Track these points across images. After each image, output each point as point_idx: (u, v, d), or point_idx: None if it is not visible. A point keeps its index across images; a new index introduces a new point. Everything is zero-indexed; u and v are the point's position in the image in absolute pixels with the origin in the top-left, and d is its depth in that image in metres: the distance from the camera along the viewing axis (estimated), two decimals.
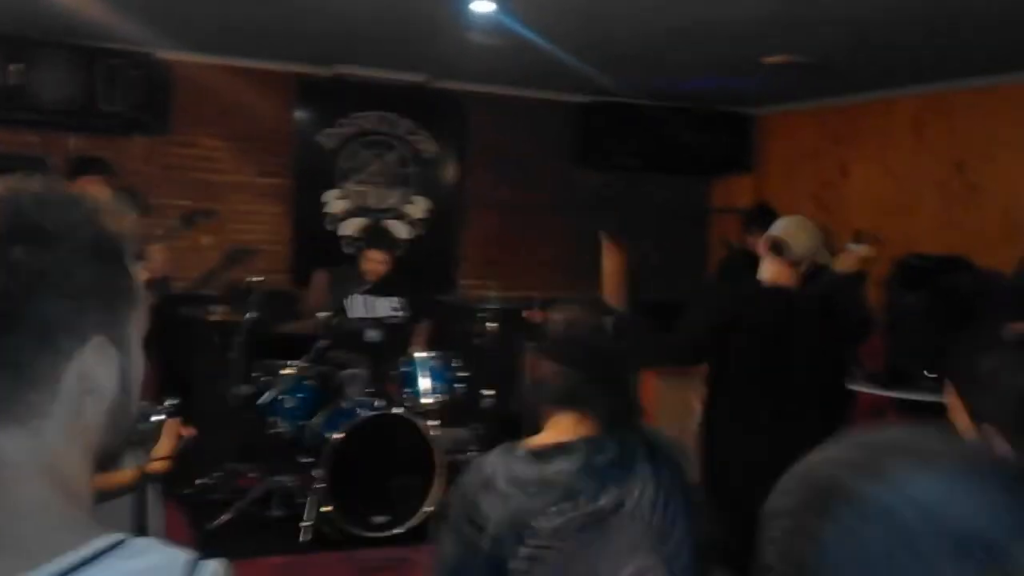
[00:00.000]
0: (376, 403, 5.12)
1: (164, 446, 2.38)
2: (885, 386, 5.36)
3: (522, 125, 7.03)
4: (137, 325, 0.87)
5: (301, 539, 4.83)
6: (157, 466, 2.38)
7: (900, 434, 0.77)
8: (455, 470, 5.49)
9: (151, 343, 0.94)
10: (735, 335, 3.44)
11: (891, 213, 6.17)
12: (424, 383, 5.35)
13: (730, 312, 3.51)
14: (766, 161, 7.29)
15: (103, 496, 1.05)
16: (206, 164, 6.26)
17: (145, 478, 2.26)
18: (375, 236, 6.22)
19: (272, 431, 5.18)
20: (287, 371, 5.24)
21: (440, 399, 5.36)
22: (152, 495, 2.50)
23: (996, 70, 5.36)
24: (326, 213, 6.55)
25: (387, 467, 4.99)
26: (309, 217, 6.50)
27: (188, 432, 2.49)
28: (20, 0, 4.79)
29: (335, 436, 4.83)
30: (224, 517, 4.95)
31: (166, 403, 2.39)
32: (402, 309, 5.71)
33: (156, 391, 2.59)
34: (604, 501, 1.70)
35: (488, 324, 5.73)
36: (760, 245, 3.65)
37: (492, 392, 5.66)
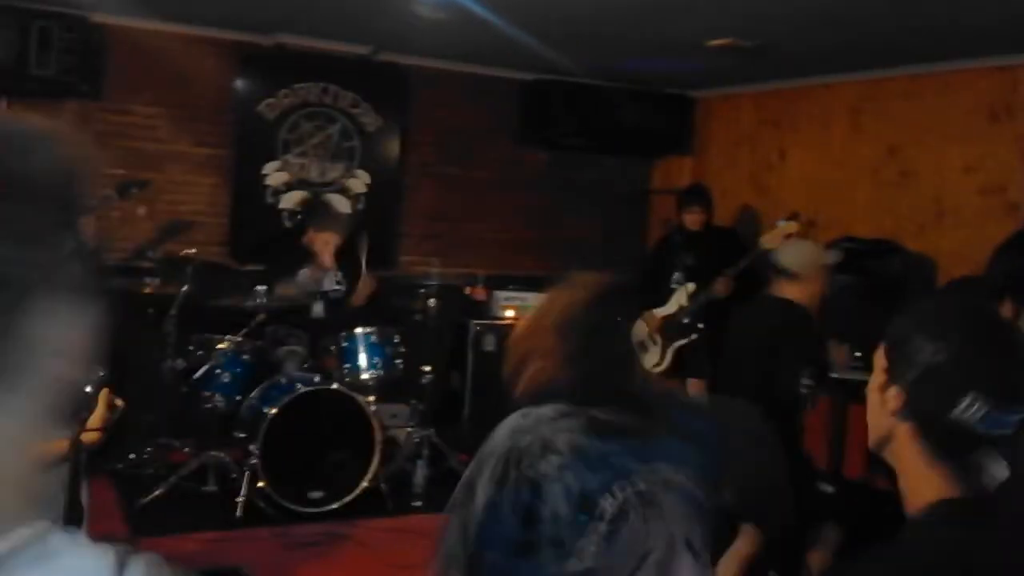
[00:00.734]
0: (314, 378, 5.09)
1: (97, 416, 2.34)
2: None
3: (467, 101, 7.00)
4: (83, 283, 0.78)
5: (236, 514, 4.80)
6: (90, 437, 2.34)
7: None
8: (392, 446, 5.51)
9: None
10: None
11: (827, 197, 6.29)
12: (363, 359, 5.34)
13: None
14: (706, 143, 7.37)
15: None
16: (142, 132, 6.12)
17: (78, 449, 2.22)
18: (326, 216, 6.10)
19: (207, 405, 5.13)
20: (223, 345, 5.18)
21: (379, 375, 5.35)
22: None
23: (930, 58, 5.49)
24: (266, 186, 6.46)
25: (324, 442, 4.97)
26: (248, 189, 6.40)
27: (121, 403, 2.44)
28: None
29: (271, 411, 4.80)
30: (157, 492, 4.89)
31: (97, 373, 2.35)
32: (342, 283, 5.69)
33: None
34: (653, 478, 1.75)
35: (429, 300, 5.72)
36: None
37: (431, 368, 5.66)
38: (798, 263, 3.95)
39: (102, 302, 0.79)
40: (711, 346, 5.77)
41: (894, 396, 1.39)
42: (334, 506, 4.93)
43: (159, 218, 5.93)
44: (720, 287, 5.58)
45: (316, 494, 4.90)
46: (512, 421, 1.85)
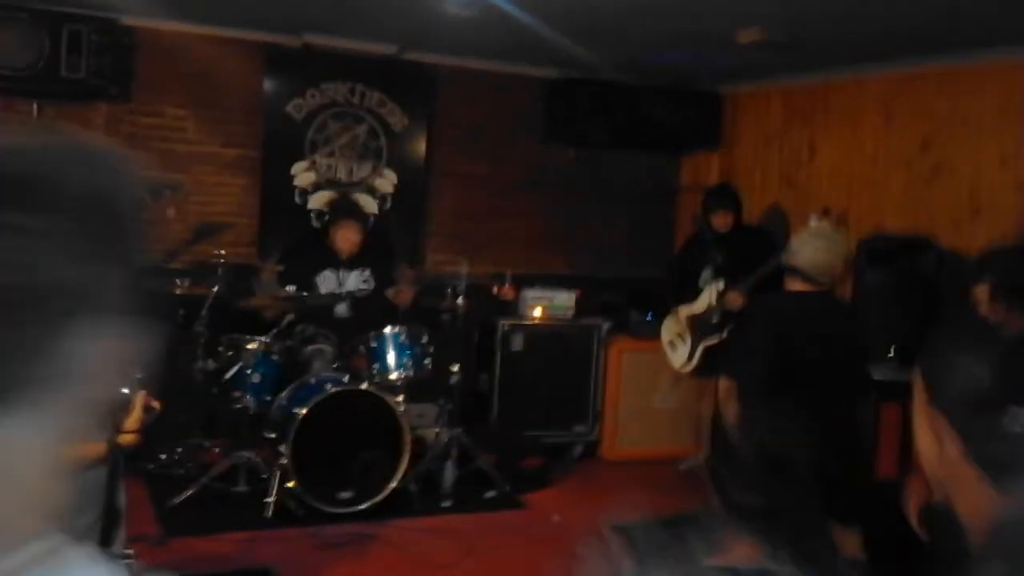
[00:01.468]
0: (343, 378, 5.10)
1: (134, 419, 2.35)
2: None
3: (493, 99, 6.98)
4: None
5: (266, 515, 4.81)
6: (127, 439, 2.35)
7: None
8: (421, 446, 5.51)
9: None
10: None
11: (858, 192, 6.21)
12: (392, 359, 5.34)
13: None
14: (735, 139, 7.31)
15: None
16: (171, 134, 6.15)
17: (116, 451, 2.23)
18: (348, 209, 6.16)
19: (237, 406, 5.15)
20: (252, 346, 5.19)
21: (408, 375, 5.35)
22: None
23: (964, 49, 5.39)
24: (294, 186, 6.48)
25: (353, 443, 4.98)
26: (277, 190, 6.42)
27: (157, 405, 2.45)
28: None
29: (301, 411, 4.80)
30: (187, 492, 4.91)
31: (135, 376, 2.35)
32: (369, 281, 5.70)
33: None
34: None
35: (457, 300, 5.71)
36: None
37: (459, 368, 5.65)
38: (813, 266, 3.72)
39: (153, 325, 0.77)
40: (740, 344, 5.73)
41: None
42: (363, 506, 4.93)
43: (188, 219, 5.96)
44: (733, 299, 5.54)
45: (345, 494, 4.91)
46: None
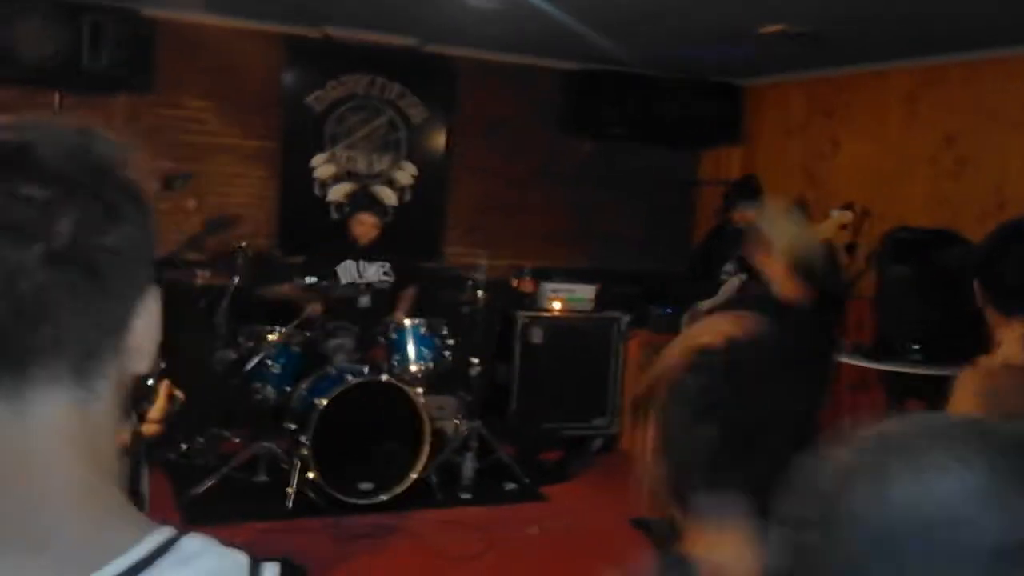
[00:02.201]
0: (364, 369, 5.10)
1: (158, 408, 2.35)
2: (872, 358, 5.38)
3: (512, 92, 6.96)
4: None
5: (286, 505, 4.82)
6: (151, 428, 2.35)
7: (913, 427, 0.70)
8: (440, 438, 5.50)
9: None
10: None
11: (882, 186, 6.16)
12: (412, 351, 5.33)
13: None
14: (756, 133, 7.25)
15: None
16: (192, 125, 6.16)
17: (140, 441, 2.23)
18: (365, 200, 6.17)
19: (257, 397, 5.15)
20: (273, 336, 5.20)
21: (428, 367, 5.34)
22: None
23: (989, 43, 5.33)
24: (314, 178, 6.47)
25: (373, 434, 4.98)
26: (296, 181, 6.42)
27: (181, 395, 2.45)
28: None
29: (322, 402, 4.81)
30: (208, 482, 4.92)
31: (158, 365, 2.35)
32: (390, 274, 5.70)
33: None
34: None
35: (476, 292, 5.70)
36: None
37: (479, 360, 5.64)
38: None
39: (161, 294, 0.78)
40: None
41: None
42: (383, 497, 4.93)
43: (209, 211, 5.97)
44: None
45: (366, 485, 4.91)
46: None
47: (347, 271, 5.63)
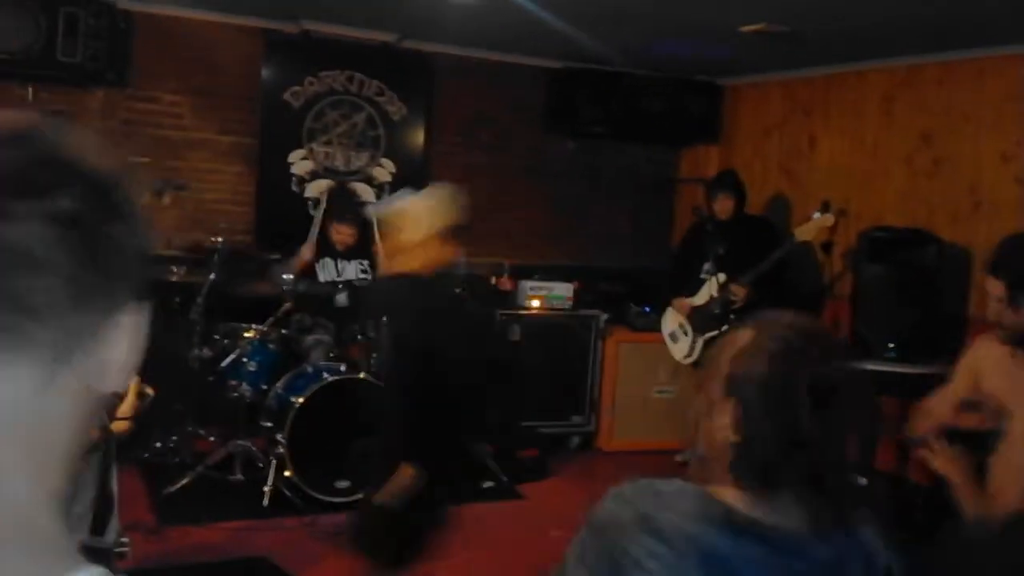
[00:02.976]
0: (341, 367, 5.07)
1: (127, 405, 2.31)
2: None
3: (492, 89, 6.94)
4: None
5: (263, 503, 4.79)
6: (120, 426, 2.32)
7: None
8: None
9: None
10: None
11: (858, 185, 6.19)
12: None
13: None
14: (734, 131, 7.28)
15: None
16: (167, 120, 6.10)
17: (109, 438, 2.20)
18: (342, 205, 6.09)
19: (233, 394, 5.11)
20: (249, 334, 5.16)
21: None
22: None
23: (965, 44, 5.37)
24: (292, 174, 6.43)
25: (350, 432, 4.94)
26: (273, 178, 6.37)
27: (151, 391, 2.42)
28: None
29: (298, 400, 4.77)
30: (183, 481, 4.88)
31: None
32: (368, 272, 5.67)
33: None
34: None
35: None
36: None
37: None
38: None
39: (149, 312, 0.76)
40: None
41: None
42: (360, 495, 4.90)
43: (184, 206, 5.92)
44: (736, 291, 5.51)
45: (342, 483, 4.88)
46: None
47: (325, 269, 5.60)
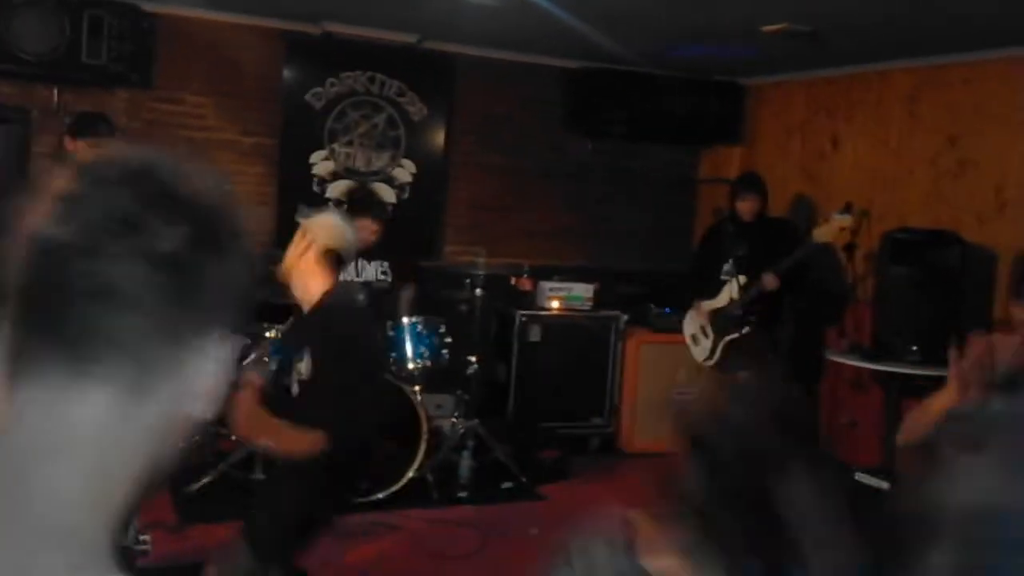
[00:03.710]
0: None
1: None
2: (869, 358, 5.38)
3: (512, 89, 6.94)
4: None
5: None
6: None
7: None
8: (438, 436, 5.49)
9: None
10: None
11: (882, 186, 6.14)
12: (409, 348, 5.32)
13: None
14: (756, 132, 7.24)
15: None
16: (191, 121, 6.15)
17: None
18: (364, 204, 6.12)
19: None
20: (270, 334, 5.18)
21: (425, 365, 5.33)
22: None
23: (991, 44, 5.31)
24: (313, 175, 6.46)
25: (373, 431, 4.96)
26: (295, 178, 6.40)
27: None
28: None
29: None
30: (205, 480, 4.91)
31: None
32: (388, 273, 5.68)
33: None
34: None
35: (475, 290, 5.68)
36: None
37: (476, 359, 5.63)
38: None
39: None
40: (764, 339, 5.67)
41: None
42: (380, 496, 4.92)
43: None
44: (769, 281, 5.46)
45: (362, 484, 4.89)
46: None
47: (345, 269, 5.61)
